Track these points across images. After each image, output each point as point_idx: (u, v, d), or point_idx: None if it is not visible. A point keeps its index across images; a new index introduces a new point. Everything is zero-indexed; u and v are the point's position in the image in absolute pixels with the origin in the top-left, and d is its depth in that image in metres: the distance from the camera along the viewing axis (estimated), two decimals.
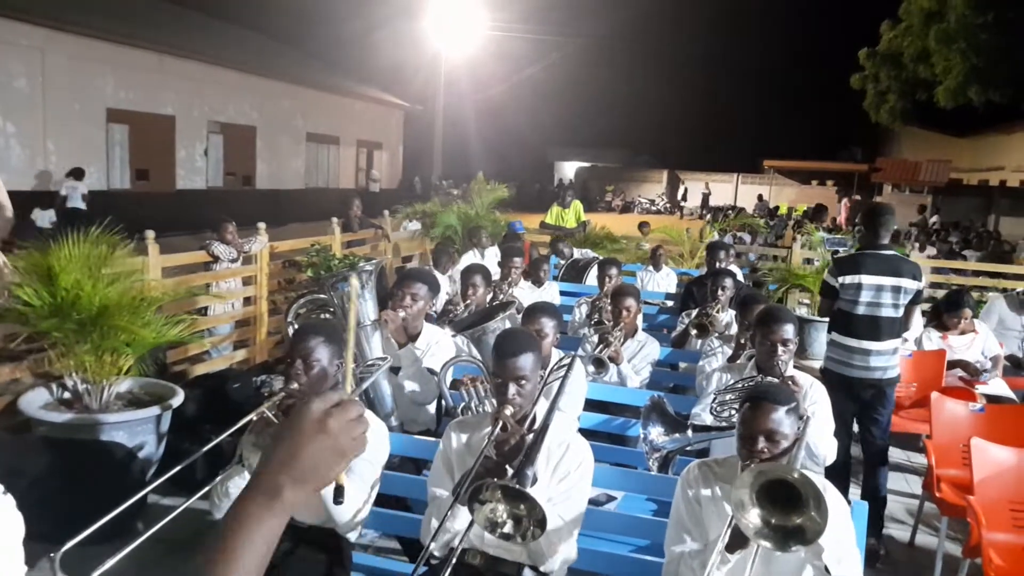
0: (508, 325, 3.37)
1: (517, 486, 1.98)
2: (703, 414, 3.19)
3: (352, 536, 2.50)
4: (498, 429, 2.25)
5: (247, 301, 6.03)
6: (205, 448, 2.41)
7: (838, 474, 4.23)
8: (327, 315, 3.61)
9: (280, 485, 0.88)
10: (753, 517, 1.96)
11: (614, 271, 5.27)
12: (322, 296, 3.50)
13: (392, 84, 26.83)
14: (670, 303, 6.89)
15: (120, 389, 4.27)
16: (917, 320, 5.25)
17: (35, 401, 3.96)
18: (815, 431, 2.94)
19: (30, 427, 3.91)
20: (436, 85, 24.22)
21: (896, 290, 4.01)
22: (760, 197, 28.81)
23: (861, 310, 4.03)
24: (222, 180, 18.93)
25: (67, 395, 4.08)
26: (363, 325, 3.18)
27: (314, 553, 2.41)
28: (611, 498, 3.10)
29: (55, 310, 3.77)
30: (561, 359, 2.66)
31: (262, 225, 6.20)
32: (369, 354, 3.17)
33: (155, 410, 3.96)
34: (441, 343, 3.38)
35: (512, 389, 2.30)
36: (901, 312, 4.07)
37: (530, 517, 1.98)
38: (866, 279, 4.01)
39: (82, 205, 12.82)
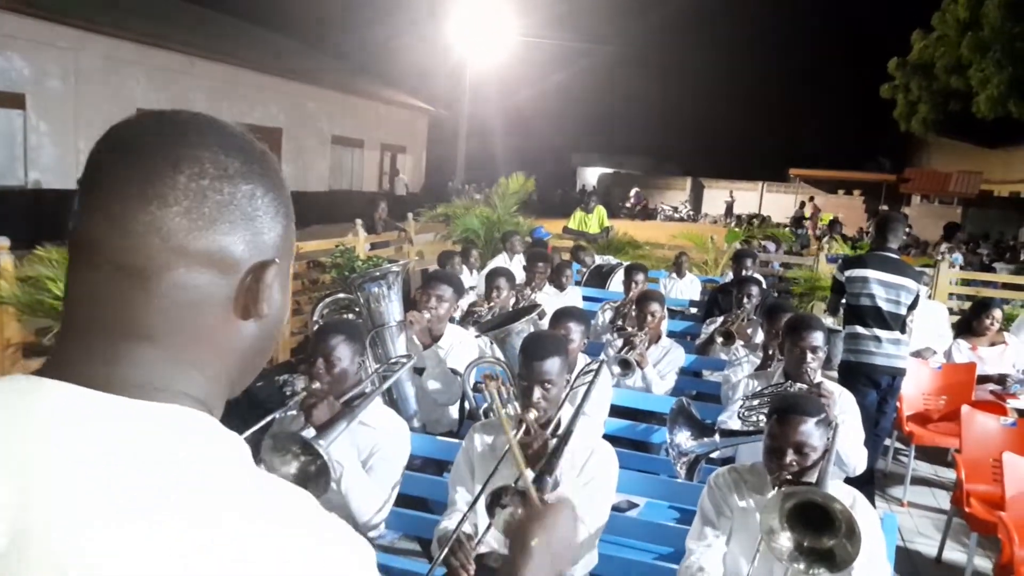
0: (532, 328, 3.35)
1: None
2: (729, 421, 3.15)
3: (372, 536, 2.49)
4: (521, 432, 2.24)
5: None
6: None
7: (861, 485, 4.18)
8: (351, 315, 3.62)
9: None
10: (784, 541, 1.93)
11: (640, 276, 5.23)
12: (347, 296, 3.52)
13: (417, 88, 26.99)
14: (694, 310, 6.83)
15: None
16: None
17: None
18: (845, 440, 2.90)
19: None
20: (461, 90, 24.29)
21: (898, 288, 4.28)
22: (802, 204, 28.50)
23: (866, 301, 4.31)
24: None
25: None
26: (388, 326, 3.18)
27: None
28: (633, 505, 3.07)
29: None
30: (588, 364, 2.64)
31: None
32: (394, 353, 3.17)
33: None
34: (464, 343, 3.37)
35: (537, 392, 2.29)
36: (903, 311, 4.31)
37: None
38: (871, 274, 4.30)
39: None
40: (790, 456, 2.12)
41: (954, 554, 4.08)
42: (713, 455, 3.14)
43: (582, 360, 3.23)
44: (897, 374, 4.36)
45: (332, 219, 16.83)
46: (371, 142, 24.30)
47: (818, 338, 3.01)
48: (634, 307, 4.28)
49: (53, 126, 13.78)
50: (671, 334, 6.09)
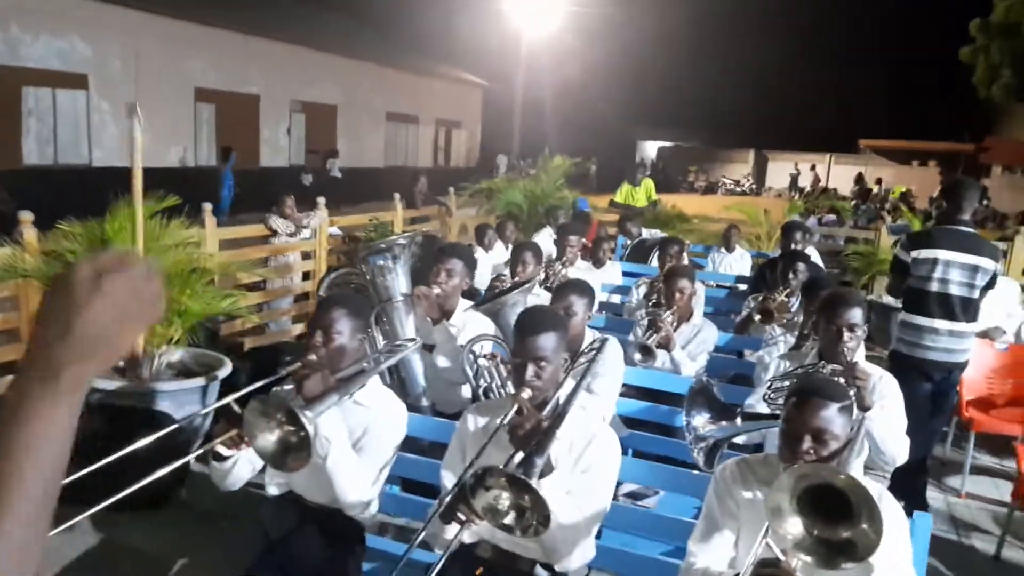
0: (529, 301, 3.18)
1: (522, 476, 1.81)
2: (757, 404, 2.92)
3: (365, 518, 2.39)
4: (513, 412, 2.08)
5: (306, 276, 6.05)
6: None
7: (912, 475, 3.88)
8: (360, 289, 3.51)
9: (58, 363, 0.70)
10: (792, 527, 1.72)
11: (676, 250, 4.99)
12: (354, 270, 3.41)
13: (471, 63, 26.76)
14: (742, 286, 6.52)
15: (172, 359, 4.32)
16: (1003, 309, 4.87)
17: None
18: (884, 428, 2.64)
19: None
20: (515, 64, 23.97)
21: (973, 269, 3.76)
22: (859, 176, 27.21)
23: (934, 287, 3.79)
24: (304, 158, 19.36)
25: (121, 363, 4.15)
26: (395, 300, 3.06)
27: (321, 533, 2.31)
28: (656, 491, 2.89)
29: None
30: (593, 341, 2.45)
31: (321, 200, 6.20)
32: (401, 330, 3.06)
33: (200, 381, 3.98)
34: (477, 320, 3.22)
35: (531, 370, 2.12)
36: (976, 294, 3.81)
37: (534, 511, 1.80)
38: (942, 254, 3.77)
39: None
40: (807, 443, 1.90)
41: (1015, 552, 3.77)
42: (738, 441, 2.93)
43: (590, 335, 3.04)
44: (954, 368, 3.92)
45: (387, 195, 16.87)
46: (425, 118, 24.29)
47: (856, 315, 2.74)
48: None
49: (114, 106, 14.16)
50: (716, 312, 5.83)
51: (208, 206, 4.98)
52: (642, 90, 39.05)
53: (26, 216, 3.85)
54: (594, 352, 2.30)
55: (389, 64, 22.00)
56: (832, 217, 14.57)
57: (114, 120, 14.24)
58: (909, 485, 3.98)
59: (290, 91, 18.47)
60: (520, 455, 1.95)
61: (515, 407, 2.08)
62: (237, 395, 2.36)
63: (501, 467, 1.86)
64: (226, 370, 4.16)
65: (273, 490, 2.47)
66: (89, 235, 3.90)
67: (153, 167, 15.14)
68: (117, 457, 2.04)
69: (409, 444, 2.74)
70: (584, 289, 3.11)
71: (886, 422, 2.65)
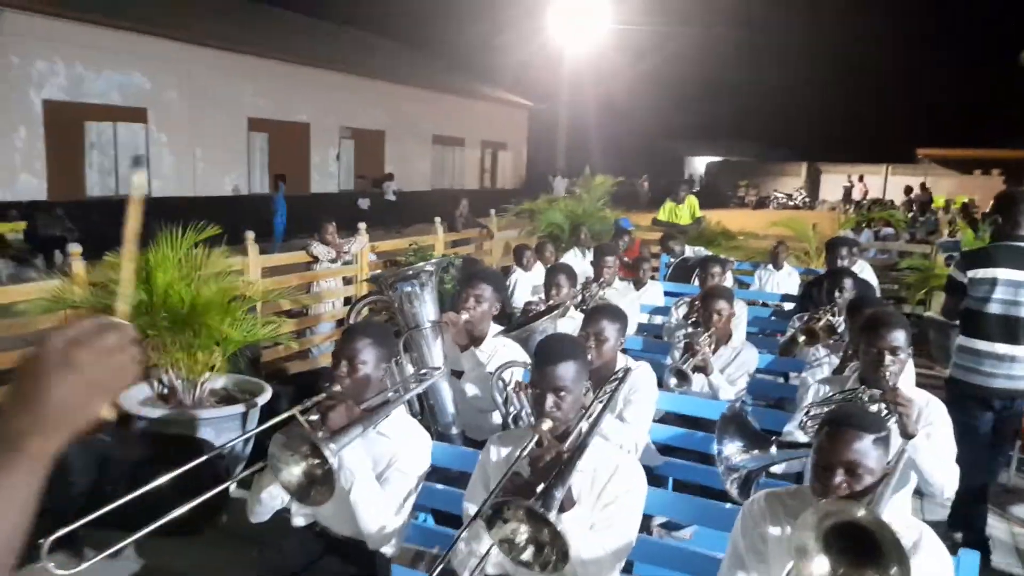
0: (564, 324, 3.13)
1: (541, 510, 1.77)
2: (795, 432, 2.81)
3: (388, 551, 2.37)
4: (533, 443, 2.04)
5: (347, 301, 6.12)
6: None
7: (970, 505, 3.69)
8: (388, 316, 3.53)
9: (21, 432, 0.71)
10: (818, 567, 1.64)
11: (717, 269, 4.88)
12: (382, 297, 3.43)
13: (516, 84, 26.98)
14: (788, 305, 6.33)
15: (215, 385, 4.42)
16: None
17: (135, 396, 4.16)
18: (930, 457, 2.51)
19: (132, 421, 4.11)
20: (559, 83, 24.07)
21: None
22: (908, 190, 26.29)
23: (994, 308, 3.55)
24: (353, 183, 19.75)
25: (166, 391, 4.26)
26: (423, 327, 3.06)
27: (344, 565, 2.30)
28: (678, 527, 2.80)
29: (149, 308, 3.93)
30: (617, 370, 2.40)
31: (362, 225, 6.28)
32: (429, 357, 3.05)
33: (240, 408, 4.05)
34: (509, 347, 3.19)
35: (550, 400, 2.08)
36: None
37: (553, 546, 1.76)
38: (1002, 273, 3.52)
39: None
40: (839, 476, 1.81)
41: None
42: (776, 471, 2.81)
43: (623, 361, 2.97)
44: (1018, 396, 3.64)
45: (434, 219, 17.10)
46: (471, 140, 24.52)
47: (898, 338, 2.62)
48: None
49: (171, 137, 14.70)
50: (763, 332, 5.67)
51: (251, 234, 5.09)
52: (689, 105, 38.77)
53: (75, 248, 3.99)
54: (617, 381, 2.24)
55: (435, 88, 22.33)
56: (890, 230, 14.10)
57: (172, 151, 14.77)
58: (967, 516, 3.77)
59: (339, 118, 18.90)
60: (540, 488, 1.91)
61: (535, 438, 2.05)
62: (263, 426, 2.39)
63: (519, 500, 1.82)
64: (266, 396, 4.23)
65: (299, 521, 2.48)
66: (136, 266, 4.02)
67: (209, 196, 15.77)
68: (156, 486, 2.09)
69: (440, 474, 2.72)
70: (616, 314, 3.04)
71: (932, 451, 2.51)
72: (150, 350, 4.15)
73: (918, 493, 2.80)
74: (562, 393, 2.08)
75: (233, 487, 3.65)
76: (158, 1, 15.36)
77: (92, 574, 1.81)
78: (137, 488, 2.03)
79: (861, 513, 1.58)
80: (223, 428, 4.01)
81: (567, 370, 2.09)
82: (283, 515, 2.56)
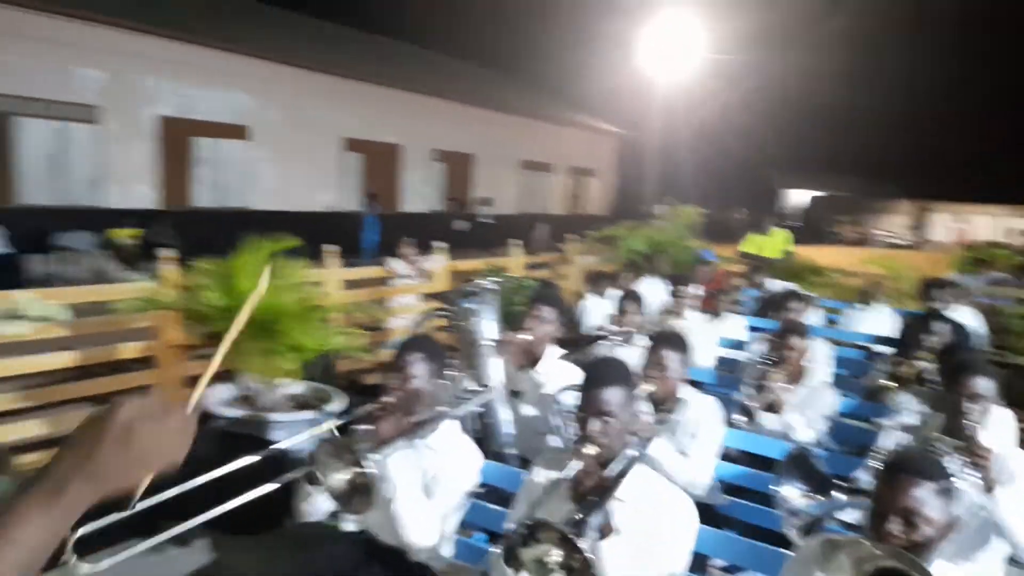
0: (628, 352, 3.07)
1: (573, 534, 1.74)
2: (865, 478, 2.65)
3: (437, 565, 2.37)
4: (576, 468, 2.01)
5: None
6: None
7: None
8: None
9: (67, 480, 0.80)
10: None
11: (796, 304, 4.69)
12: (446, 311, 3.48)
13: (606, 110, 26.95)
14: (878, 347, 6.00)
15: (293, 391, 4.57)
16: None
17: (217, 396, 4.35)
18: (1013, 513, 2.32)
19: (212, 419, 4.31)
20: (651, 111, 23.91)
21: None
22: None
23: None
24: (443, 204, 20.18)
25: (247, 393, 4.44)
26: (482, 344, 3.08)
27: (387, 572, 2.32)
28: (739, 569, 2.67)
29: (229, 313, 4.11)
30: (669, 400, 2.34)
31: (444, 245, 6.40)
32: (485, 374, 3.06)
33: (310, 414, 4.17)
34: (566, 369, 3.17)
35: (595, 425, 2.05)
36: None
37: (583, 574, 1.72)
38: None
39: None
40: (895, 524, 1.70)
41: None
42: (850, 520, 2.66)
43: (683, 392, 2.89)
44: None
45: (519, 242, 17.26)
46: (559, 166, 24.63)
47: (979, 385, 2.45)
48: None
49: (273, 155, 15.45)
50: (850, 374, 5.36)
51: (330, 248, 5.28)
52: (786, 136, 37.65)
53: (167, 254, 4.23)
54: (667, 412, 2.19)
55: (523, 113, 22.60)
56: (1002, 275, 13.18)
57: (271, 167, 15.52)
58: None
59: (429, 140, 19.41)
60: (578, 514, 1.88)
61: (579, 463, 2.02)
62: (313, 431, 2.46)
63: (553, 522, 1.80)
64: (338, 404, 4.33)
65: (349, 525, 2.52)
66: (220, 272, 4.24)
67: (302, 211, 16.39)
68: (220, 476, 2.19)
69: (495, 494, 2.72)
70: (679, 343, 2.97)
71: (1016, 507, 2.32)
72: (232, 353, 4.33)
73: (1017, 564, 2.58)
74: (606, 418, 2.05)
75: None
76: (260, 24, 16.29)
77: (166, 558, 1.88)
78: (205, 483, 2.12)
79: (900, 558, 1.48)
80: (295, 431, 4.12)
81: (613, 395, 2.05)
82: (335, 521, 2.62)
